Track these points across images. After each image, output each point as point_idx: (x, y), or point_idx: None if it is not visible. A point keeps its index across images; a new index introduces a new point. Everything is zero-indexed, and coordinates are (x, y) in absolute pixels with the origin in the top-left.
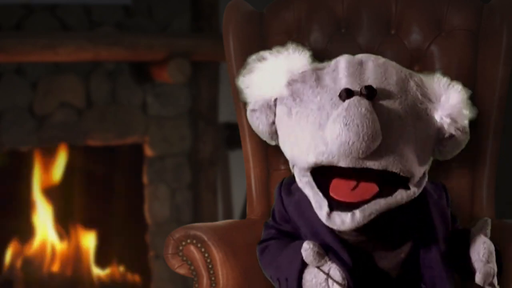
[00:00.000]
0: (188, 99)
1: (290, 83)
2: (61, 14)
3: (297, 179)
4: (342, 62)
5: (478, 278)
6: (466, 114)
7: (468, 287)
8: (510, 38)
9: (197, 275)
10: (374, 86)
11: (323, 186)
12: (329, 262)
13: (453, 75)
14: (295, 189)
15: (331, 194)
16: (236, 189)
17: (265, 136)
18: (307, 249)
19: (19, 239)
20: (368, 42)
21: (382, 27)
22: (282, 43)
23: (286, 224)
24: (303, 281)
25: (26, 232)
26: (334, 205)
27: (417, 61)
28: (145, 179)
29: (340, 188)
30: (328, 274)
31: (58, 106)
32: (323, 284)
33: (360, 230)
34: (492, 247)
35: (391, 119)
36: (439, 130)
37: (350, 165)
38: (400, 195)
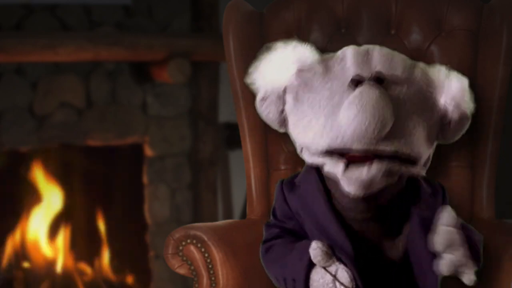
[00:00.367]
0: (188, 99)
1: (300, 71)
2: (61, 14)
3: (307, 159)
4: (349, 51)
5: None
6: (468, 100)
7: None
8: (510, 38)
9: (197, 275)
10: (383, 73)
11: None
12: (336, 263)
13: None
14: (299, 182)
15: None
16: (236, 189)
17: (274, 124)
18: (316, 249)
19: (19, 239)
20: (368, 42)
21: (382, 27)
22: None
23: (289, 220)
24: (311, 281)
25: (26, 232)
26: (349, 164)
27: (417, 61)
28: (145, 179)
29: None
30: (335, 276)
31: (58, 106)
32: (330, 285)
33: (367, 202)
34: (454, 236)
35: (400, 104)
36: (443, 115)
37: (364, 148)
38: (411, 166)
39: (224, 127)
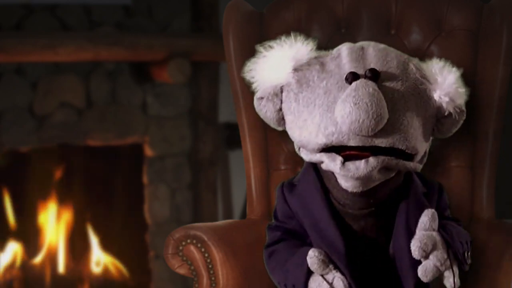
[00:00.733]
0: (188, 99)
1: (296, 69)
2: (61, 14)
3: (305, 157)
4: (344, 49)
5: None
6: (462, 93)
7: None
8: (510, 38)
9: (197, 275)
10: (377, 69)
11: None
12: (333, 271)
13: None
14: (297, 182)
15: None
16: (236, 189)
17: (272, 123)
18: (312, 257)
19: (19, 239)
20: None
21: (382, 27)
22: None
23: (290, 220)
24: None
25: (26, 232)
26: (348, 159)
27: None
28: (145, 179)
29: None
30: (331, 284)
31: (58, 106)
32: None
33: (365, 196)
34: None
35: (395, 99)
36: (438, 109)
37: (360, 144)
38: (408, 162)
39: (224, 127)
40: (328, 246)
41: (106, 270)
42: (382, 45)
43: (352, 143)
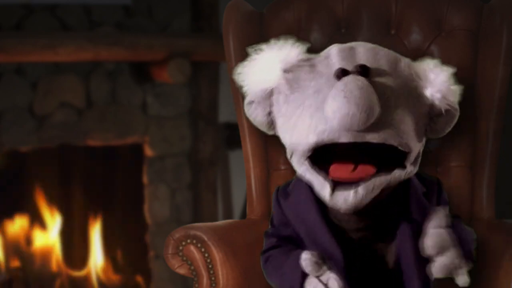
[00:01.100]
0: (188, 99)
1: (285, 71)
2: (61, 14)
3: (296, 168)
4: (333, 49)
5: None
6: (455, 90)
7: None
8: (510, 38)
9: (197, 275)
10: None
11: (322, 171)
12: (327, 272)
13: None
14: (291, 190)
15: (331, 176)
16: (236, 189)
17: (263, 127)
18: (306, 260)
19: (19, 239)
20: (368, 42)
21: (382, 27)
22: None
23: (285, 228)
24: None
25: (26, 232)
26: (336, 186)
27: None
28: (145, 179)
29: (339, 170)
30: (326, 285)
31: (58, 106)
32: None
33: (359, 215)
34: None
35: (386, 94)
36: (431, 107)
37: (351, 140)
38: (398, 173)
39: (224, 127)
40: (326, 255)
41: (106, 270)
42: (371, 45)
43: (343, 139)
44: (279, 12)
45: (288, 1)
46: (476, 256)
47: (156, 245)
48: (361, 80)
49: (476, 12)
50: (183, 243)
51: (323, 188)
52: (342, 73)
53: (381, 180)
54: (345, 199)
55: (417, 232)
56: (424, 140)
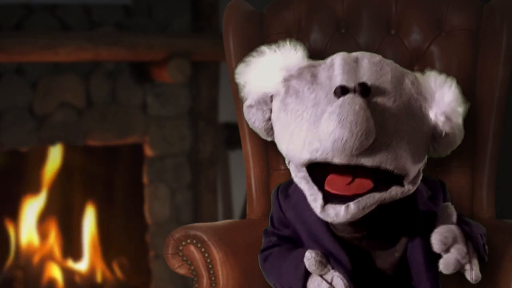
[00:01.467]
0: (188, 99)
1: (286, 79)
2: (61, 14)
3: (292, 174)
4: (338, 59)
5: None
6: (460, 112)
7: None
8: (510, 38)
9: (197, 275)
10: (369, 83)
11: (318, 181)
12: (332, 271)
13: (453, 75)
14: (292, 192)
15: (326, 188)
16: (236, 189)
17: (261, 132)
18: (310, 258)
19: (19, 239)
20: (368, 42)
21: (382, 27)
22: None
23: (285, 229)
24: None
25: (26, 232)
26: (329, 198)
27: (417, 61)
28: (145, 179)
29: (335, 183)
30: (330, 284)
31: (58, 106)
32: None
33: (354, 225)
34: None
35: (385, 117)
36: (434, 128)
37: (344, 162)
38: (395, 191)
39: (224, 127)
40: (330, 256)
41: (106, 270)
42: (378, 57)
43: (336, 160)
44: (279, 12)
45: (288, 1)
46: (488, 250)
47: (156, 245)
48: (358, 102)
49: (476, 12)
50: (183, 243)
51: (315, 200)
52: (341, 92)
53: (375, 198)
54: (336, 214)
55: (426, 238)
56: (425, 158)
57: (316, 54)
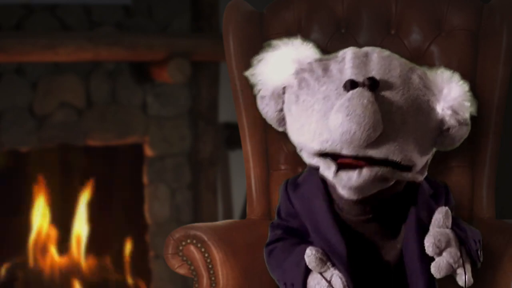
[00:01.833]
0: (188, 99)
1: (298, 72)
2: (61, 14)
3: (305, 159)
4: (348, 53)
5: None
6: (467, 107)
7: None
8: (510, 38)
9: (197, 275)
10: (378, 77)
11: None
12: (331, 269)
13: None
14: (301, 182)
15: (339, 162)
16: (236, 189)
17: (273, 123)
18: (310, 255)
19: (19, 239)
20: (368, 42)
21: (382, 27)
22: None
23: (293, 219)
24: (308, 286)
25: (26, 232)
26: (341, 167)
27: (417, 61)
28: (145, 179)
29: (347, 162)
30: (329, 282)
31: (58, 106)
32: None
33: (361, 205)
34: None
35: (393, 110)
36: (441, 121)
37: (353, 153)
38: (406, 173)
39: (224, 127)
40: (329, 249)
41: (105, 270)
42: (387, 52)
43: (345, 152)
44: (279, 12)
45: (288, 1)
46: (481, 256)
47: (156, 245)
48: (367, 96)
49: (476, 12)
50: (183, 243)
51: (329, 167)
52: (350, 85)
53: (387, 170)
54: (349, 178)
55: (424, 232)
56: (433, 150)
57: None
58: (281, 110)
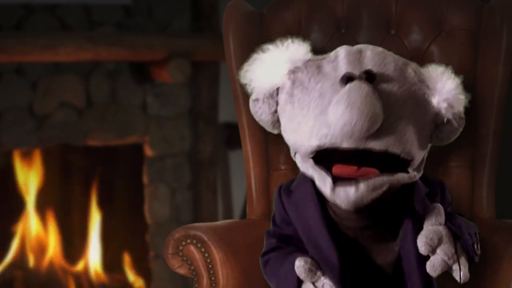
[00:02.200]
0: (188, 99)
1: (292, 72)
2: (61, 14)
3: (299, 165)
4: (341, 52)
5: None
6: (461, 99)
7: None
8: (510, 38)
9: (197, 275)
10: (374, 71)
11: (325, 170)
12: (322, 278)
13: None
14: (294, 188)
15: (334, 173)
16: (236, 189)
17: (267, 125)
18: (299, 267)
19: (19, 239)
20: (368, 42)
21: (382, 27)
22: None
23: (287, 227)
24: None
25: (25, 232)
26: (337, 181)
27: (417, 61)
28: (145, 179)
29: (342, 170)
30: None
31: (58, 106)
32: None
33: (360, 213)
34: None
35: (391, 102)
36: (437, 115)
37: (353, 146)
38: (402, 176)
39: (224, 127)
40: (321, 257)
41: (105, 270)
42: (380, 49)
43: (345, 145)
44: (279, 12)
45: (288, 1)
46: (479, 250)
47: (156, 245)
48: (365, 87)
49: (476, 12)
50: (183, 243)
51: (324, 182)
52: (347, 79)
53: (384, 180)
54: (347, 194)
55: (420, 232)
56: (429, 146)
57: (316, 54)
58: (275, 112)
